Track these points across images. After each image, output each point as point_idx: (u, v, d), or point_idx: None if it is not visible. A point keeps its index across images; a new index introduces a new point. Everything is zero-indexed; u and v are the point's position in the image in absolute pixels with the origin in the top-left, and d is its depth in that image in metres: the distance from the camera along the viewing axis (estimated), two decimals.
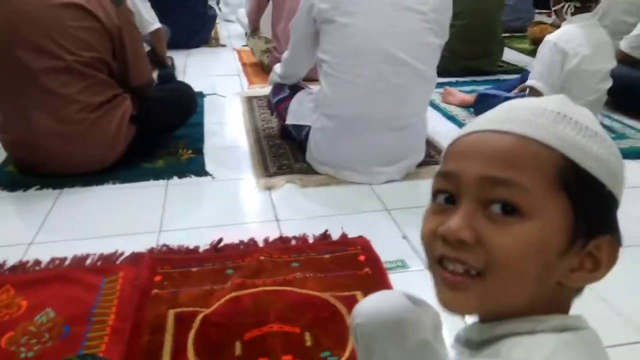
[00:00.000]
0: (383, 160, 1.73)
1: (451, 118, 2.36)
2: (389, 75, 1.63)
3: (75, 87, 1.67)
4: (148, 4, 2.87)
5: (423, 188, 1.68)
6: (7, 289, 1.19)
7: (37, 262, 1.31)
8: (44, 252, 1.35)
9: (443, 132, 2.16)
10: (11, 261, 1.32)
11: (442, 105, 2.50)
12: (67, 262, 1.31)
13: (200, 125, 2.27)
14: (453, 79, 2.84)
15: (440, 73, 1.84)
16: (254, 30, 3.40)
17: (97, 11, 1.68)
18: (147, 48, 2.94)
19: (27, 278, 1.24)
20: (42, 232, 1.47)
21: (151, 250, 1.35)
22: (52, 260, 1.32)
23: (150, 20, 2.86)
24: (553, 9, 2.09)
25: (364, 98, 1.65)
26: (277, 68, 2.00)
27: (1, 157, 1.93)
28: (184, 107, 2.06)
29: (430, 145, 1.97)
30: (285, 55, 1.91)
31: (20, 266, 1.30)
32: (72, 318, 1.10)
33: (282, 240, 1.41)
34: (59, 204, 1.63)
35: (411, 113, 1.73)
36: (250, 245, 1.39)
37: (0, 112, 1.74)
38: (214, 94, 2.74)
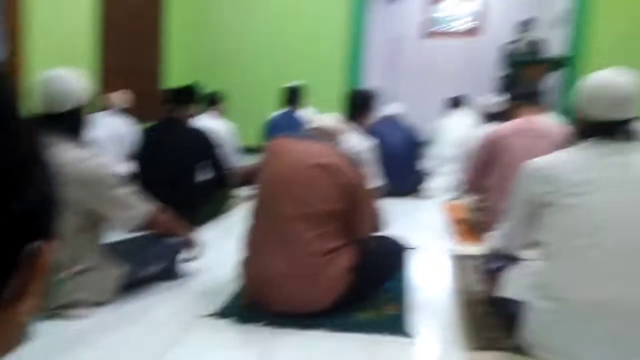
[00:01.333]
0: (616, 354, 1.50)
1: None
2: (621, 258, 1.48)
3: (311, 234, 1.87)
4: (376, 165, 3.16)
5: None
6: None
7: None
8: None
9: None
10: None
11: None
12: None
13: (406, 280, 2.29)
14: None
15: None
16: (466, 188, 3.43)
17: (340, 171, 1.92)
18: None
19: None
20: None
21: None
22: None
23: (374, 178, 3.13)
24: None
25: (591, 283, 1.51)
26: (494, 237, 1.96)
27: (235, 289, 2.17)
28: (396, 262, 2.14)
29: None
30: (501, 230, 1.88)
31: None
32: None
33: None
34: (280, 343, 1.77)
35: None
36: None
37: (245, 248, 2.02)
38: (419, 248, 2.79)
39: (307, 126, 2.29)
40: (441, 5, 8.05)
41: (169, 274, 2.28)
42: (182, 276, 2.33)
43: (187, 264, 2.37)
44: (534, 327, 1.63)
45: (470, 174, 3.11)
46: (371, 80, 6.82)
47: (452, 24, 8.10)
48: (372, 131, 3.44)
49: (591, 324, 1.51)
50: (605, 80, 1.59)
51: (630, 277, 1.48)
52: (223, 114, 4.32)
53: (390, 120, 4.33)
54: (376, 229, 2.11)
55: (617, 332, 1.49)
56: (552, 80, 5.92)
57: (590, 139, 1.60)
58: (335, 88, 6.12)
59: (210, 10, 6.44)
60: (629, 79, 1.57)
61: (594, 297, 1.50)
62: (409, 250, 2.38)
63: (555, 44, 6.15)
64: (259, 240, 1.97)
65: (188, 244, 2.33)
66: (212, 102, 4.20)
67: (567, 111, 5.42)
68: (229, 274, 2.24)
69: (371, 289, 2.07)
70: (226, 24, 6.44)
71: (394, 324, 1.88)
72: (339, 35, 6.14)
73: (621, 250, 1.48)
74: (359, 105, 3.29)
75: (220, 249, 2.74)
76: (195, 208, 3.12)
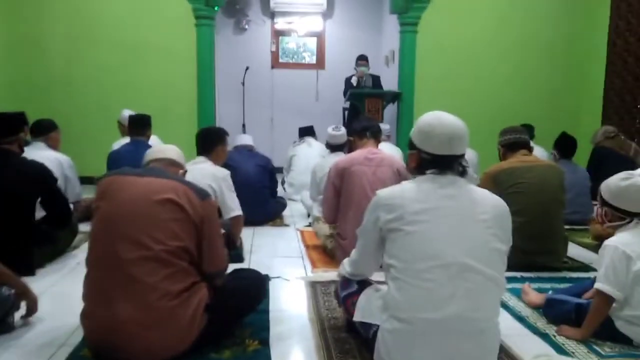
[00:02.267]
0: None
1: (521, 319, 2.30)
2: (458, 280, 1.64)
3: (159, 275, 1.76)
4: (234, 194, 3.13)
5: None
6: None
7: None
8: None
9: (513, 335, 2.10)
10: None
11: (511, 304, 2.47)
12: None
13: (265, 312, 2.30)
14: (518, 274, 2.82)
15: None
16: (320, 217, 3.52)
17: (185, 204, 1.83)
18: (221, 231, 3.16)
19: None
20: None
21: None
22: None
23: (233, 208, 3.09)
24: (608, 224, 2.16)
25: (433, 303, 1.65)
26: (346, 264, 2.05)
27: (77, 339, 2.00)
28: (254, 296, 2.12)
29: (502, 349, 1.89)
30: (352, 256, 1.98)
31: None
32: None
33: None
34: None
35: (483, 317, 1.70)
36: None
37: (85, 299, 1.84)
38: (279, 277, 2.83)
39: (147, 158, 2.11)
40: (288, 38, 8.37)
41: (1, 326, 2.01)
42: (16, 328, 2.07)
43: (23, 314, 2.12)
44: (383, 348, 1.73)
45: (325, 203, 3.25)
46: (222, 110, 6.80)
47: (300, 56, 8.48)
48: (226, 162, 3.43)
49: (432, 342, 1.64)
50: (438, 119, 1.76)
51: (463, 297, 1.63)
52: (57, 143, 3.93)
53: (243, 150, 4.35)
54: (222, 265, 2.01)
55: (456, 350, 1.64)
56: (389, 113, 6.48)
57: (428, 171, 1.77)
58: (184, 117, 5.99)
59: (45, 33, 5.89)
60: (459, 119, 1.78)
61: (433, 317, 1.63)
62: (268, 281, 2.41)
63: (388, 80, 6.77)
64: (100, 289, 1.79)
65: (20, 295, 2.08)
66: (42, 131, 3.79)
67: (402, 141, 5.98)
68: (72, 322, 2.04)
69: (230, 326, 2.03)
70: (62, 48, 5.93)
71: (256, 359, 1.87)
72: (186, 64, 6.03)
73: (454, 273, 1.64)
74: (209, 143, 3.27)
75: (62, 293, 2.50)
76: (33, 249, 2.79)
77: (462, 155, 1.77)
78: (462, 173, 1.77)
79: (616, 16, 5.79)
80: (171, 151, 2.14)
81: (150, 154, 2.11)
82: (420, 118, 1.81)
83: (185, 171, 2.17)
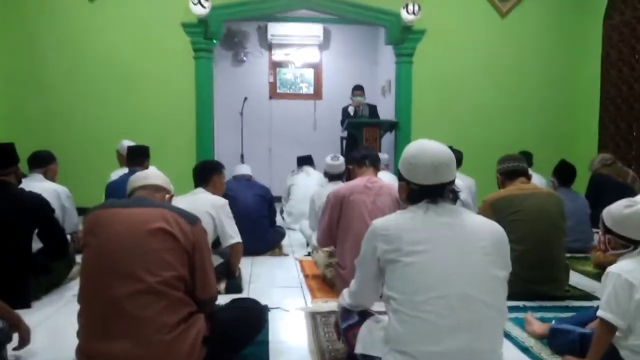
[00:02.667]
0: None
1: (525, 350, 2.25)
2: (459, 310, 1.61)
3: (154, 309, 1.72)
4: (233, 222, 3.11)
5: None
6: None
7: None
8: None
9: None
10: None
11: (515, 334, 2.42)
12: None
13: (265, 343, 2.26)
14: (520, 304, 2.79)
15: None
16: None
17: (175, 231, 1.80)
18: (220, 260, 3.13)
19: None
20: None
21: None
22: None
23: (232, 235, 3.07)
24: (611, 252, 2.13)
25: (434, 334, 1.61)
26: (345, 294, 2.01)
27: None
28: (254, 326, 2.08)
29: None
30: (351, 287, 1.94)
31: None
32: None
33: None
34: None
35: (486, 348, 1.66)
36: None
37: (80, 336, 1.80)
38: (278, 308, 2.79)
39: (132, 185, 2.04)
40: (285, 69, 8.48)
41: None
42: None
43: (15, 346, 2.07)
44: None
45: (319, 228, 3.22)
46: (221, 140, 6.82)
47: (297, 86, 8.57)
48: (225, 191, 3.42)
49: None
50: (422, 148, 1.75)
51: (465, 328, 1.60)
52: (54, 174, 3.92)
53: (242, 180, 4.35)
54: (213, 293, 1.95)
55: None
56: (387, 142, 6.52)
57: (421, 201, 1.74)
58: (183, 148, 6.01)
59: (43, 65, 5.94)
60: (443, 146, 1.77)
61: (435, 349, 1.59)
62: (267, 311, 2.37)
63: (385, 110, 6.83)
64: (95, 326, 1.75)
65: (12, 327, 2.04)
66: (40, 162, 3.78)
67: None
68: (67, 356, 1.98)
69: (229, 359, 1.98)
70: (60, 80, 5.96)
71: None
72: (185, 96, 6.06)
73: (455, 304, 1.61)
74: (206, 173, 3.28)
75: (57, 326, 2.45)
76: (30, 281, 2.76)
77: (452, 182, 1.74)
78: (454, 199, 1.75)
79: (608, 45, 5.89)
80: (155, 177, 2.09)
81: (134, 181, 2.05)
82: (406, 148, 1.80)
83: (172, 195, 2.14)
